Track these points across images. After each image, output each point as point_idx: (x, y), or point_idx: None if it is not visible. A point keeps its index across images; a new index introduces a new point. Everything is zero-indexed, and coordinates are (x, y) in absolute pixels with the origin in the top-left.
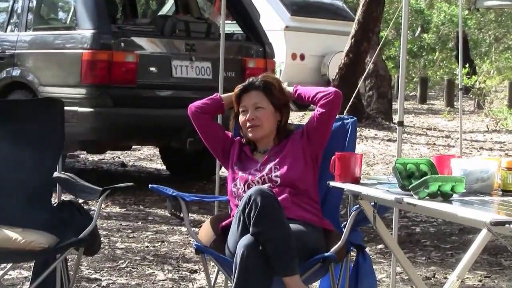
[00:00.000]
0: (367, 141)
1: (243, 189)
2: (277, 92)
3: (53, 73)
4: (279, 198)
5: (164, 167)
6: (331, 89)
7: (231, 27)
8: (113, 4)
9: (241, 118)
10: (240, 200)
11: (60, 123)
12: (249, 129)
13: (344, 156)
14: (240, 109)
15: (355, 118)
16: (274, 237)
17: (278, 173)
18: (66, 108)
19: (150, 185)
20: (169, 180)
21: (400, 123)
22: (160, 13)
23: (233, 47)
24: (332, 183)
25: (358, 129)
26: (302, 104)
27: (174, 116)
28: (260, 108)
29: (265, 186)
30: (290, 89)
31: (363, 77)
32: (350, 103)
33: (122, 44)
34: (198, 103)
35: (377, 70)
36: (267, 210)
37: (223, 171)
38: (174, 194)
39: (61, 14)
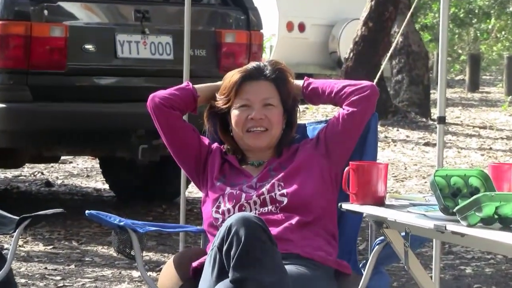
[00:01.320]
0: (395, 145)
1: (232, 213)
2: (290, 87)
3: None
4: (282, 227)
5: (106, 186)
6: (365, 82)
7: None
8: None
9: (239, 114)
10: None
11: None
12: (250, 132)
13: (363, 167)
14: (238, 103)
15: (376, 113)
16: (263, 285)
17: (284, 191)
18: None
19: (87, 212)
20: (114, 204)
21: (442, 120)
22: None
23: (204, 14)
24: (345, 206)
25: (382, 128)
26: (312, 104)
27: (120, 114)
28: (270, 106)
29: (252, 213)
30: (299, 82)
31: (388, 54)
32: None
33: (46, 12)
34: (163, 93)
35: (408, 45)
36: (254, 248)
37: (190, 191)
38: (121, 223)
39: None
